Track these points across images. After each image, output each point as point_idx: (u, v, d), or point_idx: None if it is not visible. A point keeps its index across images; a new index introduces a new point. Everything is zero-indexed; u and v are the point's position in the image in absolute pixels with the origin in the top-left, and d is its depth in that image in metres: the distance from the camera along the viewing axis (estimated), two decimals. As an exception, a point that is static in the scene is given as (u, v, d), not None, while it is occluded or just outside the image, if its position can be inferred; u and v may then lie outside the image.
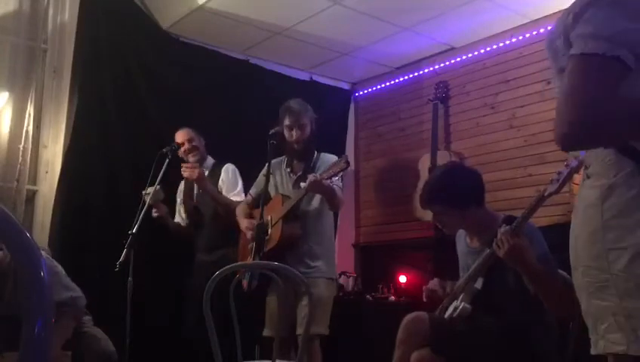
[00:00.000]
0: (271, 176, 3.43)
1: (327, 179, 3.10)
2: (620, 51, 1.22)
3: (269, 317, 3.35)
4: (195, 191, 3.81)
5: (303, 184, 3.15)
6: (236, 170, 3.78)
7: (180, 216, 3.88)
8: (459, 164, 2.65)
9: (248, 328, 2.63)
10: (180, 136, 3.75)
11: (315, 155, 3.46)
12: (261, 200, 3.25)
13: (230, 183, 3.72)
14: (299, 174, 3.40)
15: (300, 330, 3.20)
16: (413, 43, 4.64)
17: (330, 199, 3.28)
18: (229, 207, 3.60)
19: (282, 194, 3.38)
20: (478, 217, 2.60)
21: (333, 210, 3.38)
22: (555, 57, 1.40)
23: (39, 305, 0.75)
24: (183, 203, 3.87)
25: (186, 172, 3.60)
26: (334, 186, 3.24)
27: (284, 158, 3.52)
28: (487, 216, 2.61)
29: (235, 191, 3.69)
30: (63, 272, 2.86)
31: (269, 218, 3.31)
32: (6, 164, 3.65)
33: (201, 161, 3.76)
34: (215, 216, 3.66)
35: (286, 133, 3.39)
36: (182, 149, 3.71)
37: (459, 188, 2.58)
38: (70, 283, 2.85)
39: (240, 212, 3.50)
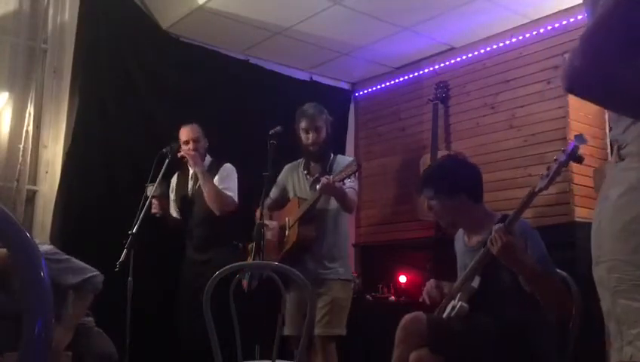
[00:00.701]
0: (289, 178, 3.57)
1: (338, 181, 3.14)
2: None
3: (287, 316, 3.38)
4: (190, 186, 3.79)
5: (324, 177, 3.21)
6: (234, 170, 3.76)
7: (174, 212, 3.86)
8: (460, 157, 2.73)
9: (248, 328, 2.63)
10: (185, 133, 3.72)
11: (332, 157, 3.52)
12: (261, 201, 3.26)
13: (223, 179, 3.69)
14: (315, 176, 3.45)
15: (317, 331, 3.27)
16: (413, 43, 4.64)
17: (342, 201, 3.33)
18: (219, 196, 3.58)
19: (299, 197, 3.44)
20: (474, 213, 2.61)
21: (347, 211, 3.43)
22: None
23: (39, 305, 0.75)
24: (176, 198, 3.84)
25: (182, 150, 3.63)
26: (348, 188, 3.31)
27: (301, 161, 3.59)
28: (484, 215, 2.62)
29: (227, 186, 3.66)
30: (73, 258, 2.92)
31: (287, 220, 3.40)
32: (6, 164, 3.65)
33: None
34: (209, 212, 3.63)
35: (302, 136, 3.47)
36: (185, 147, 3.68)
37: (451, 177, 2.63)
38: (82, 266, 2.89)
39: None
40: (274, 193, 3.60)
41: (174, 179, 3.88)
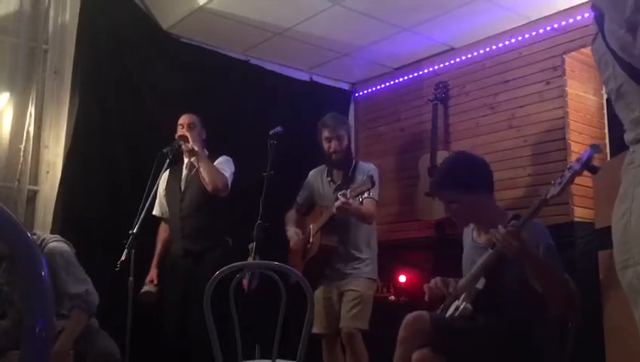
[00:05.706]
0: (313, 183, 3.76)
1: (354, 197, 3.28)
2: None
3: (316, 313, 3.47)
4: (184, 175, 3.74)
5: (340, 193, 3.36)
6: (231, 159, 3.74)
7: (160, 208, 3.79)
8: (466, 152, 2.73)
9: (249, 328, 2.63)
10: (182, 119, 3.71)
11: (354, 164, 3.67)
12: (261, 202, 3.27)
13: (220, 163, 3.67)
14: (338, 183, 3.62)
15: (342, 324, 3.45)
16: (412, 43, 4.64)
17: (359, 218, 3.49)
18: (214, 170, 3.56)
19: (321, 206, 3.59)
20: (490, 209, 2.62)
21: (365, 223, 3.56)
22: None
23: (39, 305, 0.76)
24: (167, 191, 3.77)
25: (178, 133, 3.63)
26: (366, 200, 3.43)
27: (324, 168, 3.75)
28: (496, 210, 2.63)
29: (222, 168, 3.63)
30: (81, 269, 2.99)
31: (310, 227, 3.56)
32: (7, 165, 3.66)
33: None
34: (203, 200, 3.61)
35: (325, 145, 3.64)
36: (179, 132, 3.65)
37: (468, 173, 2.61)
38: (84, 278, 2.96)
39: (289, 218, 3.73)
40: (301, 197, 3.78)
41: (165, 175, 3.72)
